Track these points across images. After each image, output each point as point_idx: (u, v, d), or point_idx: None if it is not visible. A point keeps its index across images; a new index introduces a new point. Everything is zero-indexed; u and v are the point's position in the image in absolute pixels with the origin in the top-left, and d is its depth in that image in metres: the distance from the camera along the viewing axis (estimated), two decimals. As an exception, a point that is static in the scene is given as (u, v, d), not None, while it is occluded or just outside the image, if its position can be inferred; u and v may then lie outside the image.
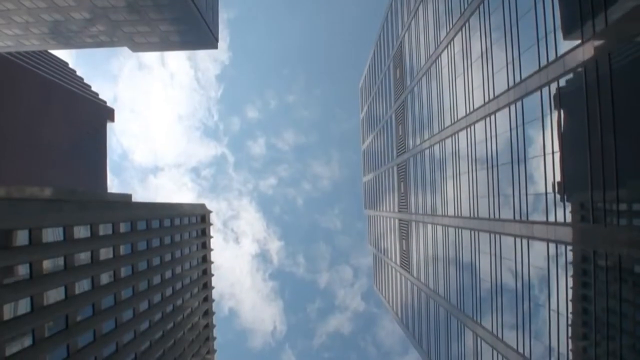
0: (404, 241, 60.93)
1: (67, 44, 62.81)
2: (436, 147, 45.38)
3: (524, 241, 27.40)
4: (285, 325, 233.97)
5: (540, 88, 24.96)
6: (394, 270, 69.15)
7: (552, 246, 24.24)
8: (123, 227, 41.35)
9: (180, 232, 55.72)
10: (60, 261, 31.70)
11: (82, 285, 34.53)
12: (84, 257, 35.00)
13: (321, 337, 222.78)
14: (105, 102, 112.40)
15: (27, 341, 27.64)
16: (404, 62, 58.85)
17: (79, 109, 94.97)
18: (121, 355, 39.16)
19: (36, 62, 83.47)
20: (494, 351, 31.89)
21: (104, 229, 38.08)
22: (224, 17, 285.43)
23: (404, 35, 58.33)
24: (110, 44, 61.97)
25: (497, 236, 31.30)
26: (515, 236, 28.51)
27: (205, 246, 65.35)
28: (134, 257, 42.83)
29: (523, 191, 27.47)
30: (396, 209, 64.73)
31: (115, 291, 39.24)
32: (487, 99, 32.22)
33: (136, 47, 63.15)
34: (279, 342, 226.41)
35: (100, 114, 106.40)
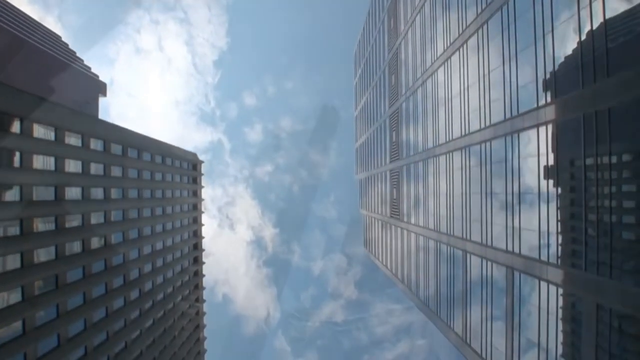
0: (395, 190, 61.31)
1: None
2: (428, 82, 45.62)
3: (515, 136, 27.79)
4: (279, 311, 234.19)
5: (533, -23, 25.18)
6: (388, 225, 69.58)
7: (542, 129, 24.61)
8: (115, 149, 41.09)
9: (172, 173, 55.54)
10: (51, 161, 31.49)
11: (72, 193, 34.35)
12: (74, 165, 34.76)
13: (314, 324, 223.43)
14: (97, 76, 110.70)
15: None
16: (398, 8, 58.93)
17: (69, 81, 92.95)
18: (110, 274, 39.16)
19: (26, 31, 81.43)
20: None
21: (95, 144, 37.84)
22: (223, 2, 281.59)
23: (399, -16, 58.40)
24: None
25: (488, 144, 31.67)
26: (505, 135, 28.88)
27: (196, 194, 65.23)
28: (125, 182, 42.66)
29: (514, 88, 27.81)
30: (388, 161, 65.06)
31: (106, 209, 39.12)
32: (480, 10, 32.45)
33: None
34: (273, 328, 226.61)
35: (92, 87, 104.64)
